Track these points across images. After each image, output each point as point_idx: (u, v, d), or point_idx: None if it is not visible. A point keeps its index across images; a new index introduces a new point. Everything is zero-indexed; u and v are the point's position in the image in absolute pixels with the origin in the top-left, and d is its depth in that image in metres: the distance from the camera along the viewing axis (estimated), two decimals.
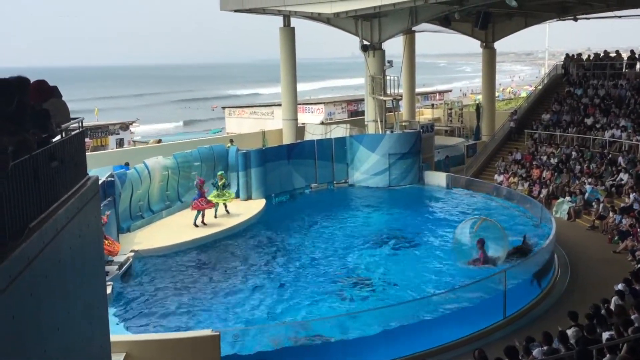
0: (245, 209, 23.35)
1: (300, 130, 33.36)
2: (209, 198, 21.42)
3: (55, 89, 6.31)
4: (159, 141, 36.46)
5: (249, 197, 24.58)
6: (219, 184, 21.78)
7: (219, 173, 22.30)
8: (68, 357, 5.03)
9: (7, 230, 3.94)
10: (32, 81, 5.63)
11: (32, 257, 4.17)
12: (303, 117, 39.43)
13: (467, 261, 17.49)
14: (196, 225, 20.60)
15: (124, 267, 16.93)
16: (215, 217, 21.60)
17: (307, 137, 31.90)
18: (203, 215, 20.78)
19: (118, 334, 12.22)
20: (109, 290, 14.42)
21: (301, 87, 41.06)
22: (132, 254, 17.97)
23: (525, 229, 21.22)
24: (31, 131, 4.88)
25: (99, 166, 21.82)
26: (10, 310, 3.71)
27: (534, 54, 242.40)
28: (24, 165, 4.39)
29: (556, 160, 27.73)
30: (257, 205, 23.83)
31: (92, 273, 6.11)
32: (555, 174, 26.80)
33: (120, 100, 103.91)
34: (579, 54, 37.06)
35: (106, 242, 16.44)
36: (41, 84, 5.83)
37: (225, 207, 22.17)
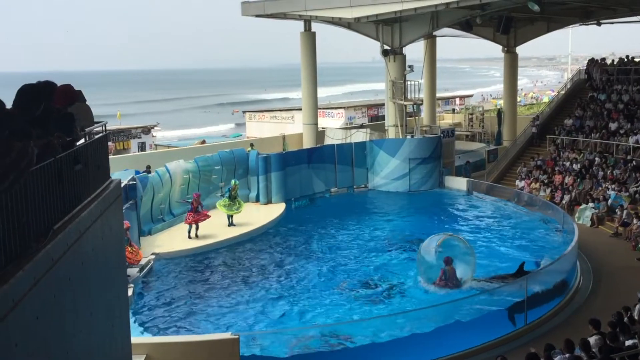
0: (266, 213, 23.42)
1: (320, 134, 33.39)
2: (217, 205, 21.47)
3: (79, 93, 6.40)
4: (203, 142, 36.84)
5: (269, 201, 24.65)
6: (232, 192, 21.42)
7: (234, 182, 21.87)
8: (90, 358, 5.08)
9: (31, 233, 3.99)
10: (58, 85, 5.71)
11: (56, 259, 4.22)
12: (323, 122, 39.47)
13: (433, 282, 16.27)
14: (190, 237, 19.96)
15: (145, 269, 17.06)
16: (233, 224, 21.47)
17: (327, 141, 31.92)
18: (197, 228, 20.14)
19: (139, 336, 12.33)
20: (130, 292, 14.54)
21: (321, 91, 41.15)
22: (153, 256, 18.11)
23: (546, 236, 21.08)
24: (56, 134, 4.95)
25: (122, 169, 22.02)
26: (34, 311, 3.75)
27: (556, 58, 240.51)
28: (49, 168, 4.45)
29: (579, 166, 27.43)
30: (277, 209, 23.88)
31: (113, 275, 6.17)
32: (578, 179, 26.50)
33: (143, 105, 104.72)
34: (603, 59, 36.65)
35: (130, 249, 16.52)
36: (67, 88, 5.91)
37: (231, 218, 21.59)
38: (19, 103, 4.81)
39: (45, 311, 3.96)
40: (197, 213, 20.04)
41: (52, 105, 5.19)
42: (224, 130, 56.65)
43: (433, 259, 16.57)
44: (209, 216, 20.46)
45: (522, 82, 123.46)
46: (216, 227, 20.97)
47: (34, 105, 4.77)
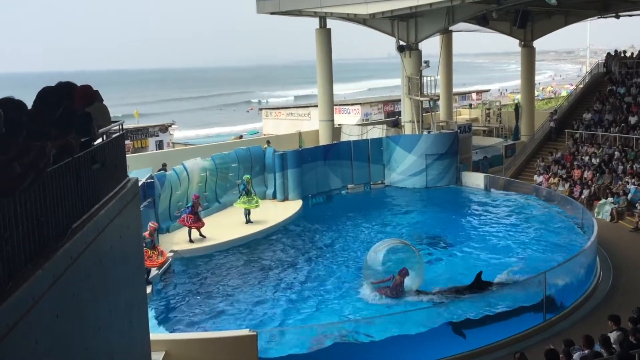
0: (282, 210, 23.47)
1: (336, 131, 33.38)
2: (236, 204, 21.49)
3: (97, 93, 6.45)
4: (241, 137, 37.17)
5: (285, 198, 24.70)
6: (248, 187, 21.42)
7: (247, 177, 21.84)
8: (109, 355, 5.13)
9: (50, 232, 4.04)
10: (80, 85, 5.78)
11: (74, 257, 4.27)
12: (339, 118, 39.45)
13: (378, 288, 15.73)
14: (191, 241, 19.41)
15: (164, 267, 17.18)
16: (250, 221, 21.44)
17: (344, 138, 31.90)
18: (198, 230, 19.63)
19: (158, 332, 12.44)
20: (148, 290, 14.65)
21: (337, 88, 41.11)
22: (172, 254, 18.23)
23: (565, 232, 20.92)
24: (74, 134, 5.01)
25: (140, 168, 22.18)
26: (54, 309, 3.81)
27: (575, 52, 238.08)
28: (67, 168, 4.50)
29: (598, 160, 27.16)
30: (294, 206, 23.93)
31: (132, 273, 6.22)
32: (597, 174, 26.25)
33: (159, 105, 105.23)
34: (622, 52, 36.23)
35: (151, 252, 16.40)
36: (86, 88, 5.96)
37: (248, 215, 21.47)
38: (39, 104, 4.87)
39: (64, 309, 4.01)
40: (196, 216, 19.49)
41: (71, 105, 5.24)
42: (239, 131, 56.90)
43: (380, 266, 16.11)
44: (203, 224, 19.72)
45: (544, 76, 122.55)
46: (234, 225, 21.05)
47: (54, 106, 4.83)
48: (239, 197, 21.72)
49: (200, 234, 19.75)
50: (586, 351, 9.74)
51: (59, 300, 3.93)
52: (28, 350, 3.35)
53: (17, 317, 3.23)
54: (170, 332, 13.37)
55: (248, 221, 21.46)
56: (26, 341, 3.32)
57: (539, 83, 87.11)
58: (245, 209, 21.49)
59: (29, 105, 4.69)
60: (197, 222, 19.56)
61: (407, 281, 15.71)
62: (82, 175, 4.86)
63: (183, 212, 19.81)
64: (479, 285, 15.23)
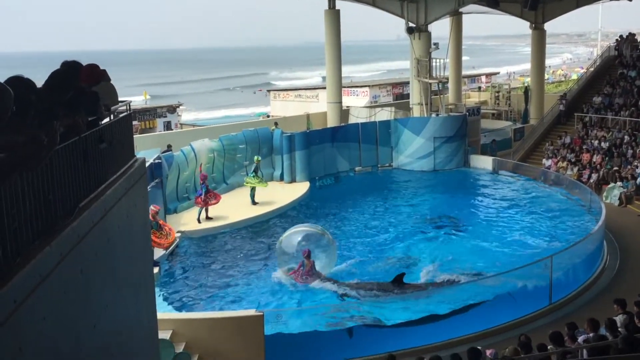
0: (290, 191, 23.51)
1: (344, 113, 33.29)
2: (247, 183, 21.54)
3: (104, 72, 6.45)
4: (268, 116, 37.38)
5: (293, 180, 24.73)
6: (256, 167, 21.51)
7: (257, 158, 21.88)
8: (117, 332, 5.20)
9: (57, 210, 4.07)
10: (84, 65, 5.78)
11: (82, 236, 4.31)
12: (348, 100, 39.31)
13: (289, 272, 15.66)
14: (199, 222, 19.54)
15: (171, 247, 17.28)
16: (255, 202, 21.46)
17: (352, 120, 31.82)
18: (207, 210, 19.83)
19: (165, 312, 12.55)
20: (156, 270, 14.77)
21: (346, 70, 40.93)
22: (179, 234, 18.33)
23: (573, 216, 20.87)
24: (82, 114, 5.02)
25: (147, 148, 22.23)
26: (62, 286, 3.85)
27: (586, 35, 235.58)
28: (74, 147, 4.52)
29: (607, 144, 27.00)
30: (301, 187, 23.97)
31: (139, 252, 6.27)
32: (606, 158, 26.11)
33: (167, 87, 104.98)
34: (633, 35, 35.83)
35: (159, 233, 16.38)
36: (93, 67, 5.96)
37: (254, 197, 21.51)
38: (50, 86, 4.87)
39: (72, 286, 4.05)
40: (212, 193, 19.74)
41: (81, 86, 5.25)
42: (247, 113, 56.75)
43: (294, 251, 15.95)
44: (219, 199, 19.93)
45: (556, 59, 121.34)
46: (241, 206, 21.11)
47: (65, 89, 4.84)
48: (249, 176, 21.66)
49: (207, 216, 19.83)
50: (591, 334, 9.75)
51: (67, 278, 3.97)
52: (36, 326, 3.39)
53: (25, 294, 3.27)
54: (177, 312, 13.49)
55: (254, 202, 21.50)
56: (34, 317, 3.37)
57: (550, 66, 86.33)
58: (252, 189, 21.50)
59: (39, 84, 4.72)
60: (215, 198, 19.77)
61: (318, 265, 15.64)
62: (89, 155, 4.88)
63: (199, 194, 19.73)
64: (399, 286, 14.71)
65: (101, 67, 6.43)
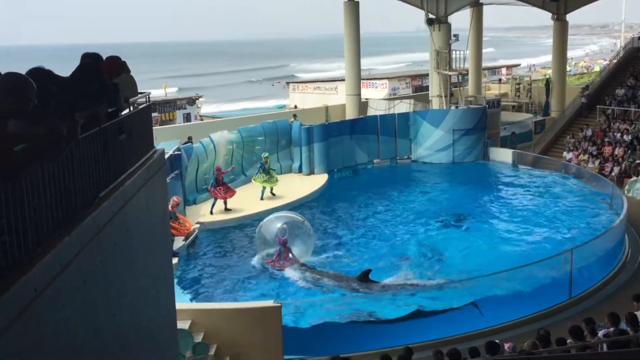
0: (308, 183, 23.54)
1: (363, 105, 33.19)
2: (255, 180, 21.33)
3: (124, 64, 6.49)
4: (295, 107, 37.45)
5: (311, 172, 24.74)
6: (265, 165, 21.15)
7: (264, 155, 21.55)
8: (136, 322, 5.25)
9: (78, 201, 4.12)
10: (105, 57, 5.83)
11: (101, 226, 4.35)
12: (366, 93, 39.18)
13: (267, 260, 16.11)
14: (211, 213, 19.57)
15: (190, 238, 17.41)
16: (273, 194, 21.43)
17: (370, 112, 31.72)
18: (225, 202, 19.89)
19: (184, 302, 12.65)
20: (175, 260, 14.89)
21: (365, 62, 40.77)
22: (198, 225, 18.44)
23: (595, 209, 20.67)
24: (103, 105, 5.07)
25: (167, 140, 22.36)
26: (81, 275, 3.89)
27: (609, 26, 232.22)
28: (94, 138, 4.56)
29: (630, 137, 26.65)
30: (319, 180, 23.98)
31: (158, 242, 6.32)
32: (629, 151, 25.78)
33: (188, 80, 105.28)
34: None
35: (177, 222, 16.66)
36: (114, 59, 6.00)
37: (271, 190, 21.48)
38: (76, 77, 4.92)
39: (92, 275, 4.10)
40: (225, 186, 19.70)
41: (104, 80, 5.29)
42: (267, 105, 56.72)
43: (272, 237, 16.27)
44: (234, 193, 20.05)
45: (579, 51, 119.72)
46: (259, 198, 21.13)
47: (90, 82, 4.88)
48: (257, 174, 21.44)
49: (226, 207, 19.89)
50: (611, 329, 9.66)
51: (87, 267, 4.02)
52: (56, 314, 3.44)
53: (45, 283, 3.31)
54: (196, 302, 13.59)
55: (262, 197, 21.23)
56: (54, 305, 3.41)
57: (572, 58, 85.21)
58: (264, 186, 21.27)
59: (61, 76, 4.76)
60: (228, 192, 19.78)
61: (296, 251, 16.03)
62: (109, 146, 4.92)
63: (210, 186, 19.90)
64: (364, 282, 14.79)
65: (121, 59, 6.48)
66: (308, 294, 14.40)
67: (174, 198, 16.98)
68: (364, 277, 14.81)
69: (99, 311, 4.25)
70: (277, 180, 21.57)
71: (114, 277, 4.62)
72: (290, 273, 15.51)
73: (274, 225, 16.49)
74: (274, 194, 21.57)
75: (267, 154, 21.69)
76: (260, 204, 20.69)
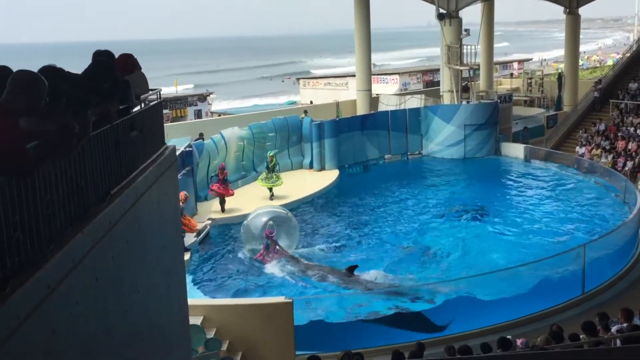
0: (319, 179, 23.54)
1: (374, 100, 33.13)
2: (257, 182, 21.03)
3: (136, 61, 6.50)
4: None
5: (322, 168, 24.74)
6: (270, 165, 20.69)
7: (270, 154, 21.13)
8: (148, 318, 5.27)
9: (89, 197, 4.14)
10: (120, 54, 5.84)
11: (113, 222, 4.36)
12: (377, 88, 39.10)
13: (254, 254, 16.36)
14: (223, 211, 19.38)
15: (202, 234, 17.46)
16: (271, 198, 20.73)
17: (381, 107, 31.66)
18: (223, 202, 19.46)
19: (196, 298, 12.71)
20: (187, 256, 14.95)
21: (375, 57, 40.65)
22: (210, 221, 18.49)
23: (607, 204, 20.54)
24: (115, 102, 5.08)
25: (178, 136, 22.42)
26: (94, 271, 3.91)
27: (622, 19, 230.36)
28: (106, 135, 4.58)
29: None
30: (330, 175, 23.97)
31: (169, 239, 6.33)
32: None
33: (198, 76, 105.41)
34: None
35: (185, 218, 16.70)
36: (128, 57, 6.00)
37: (271, 191, 20.87)
38: (89, 75, 4.93)
39: (104, 272, 4.11)
40: (224, 184, 19.35)
41: (117, 77, 5.31)
42: (278, 102, 56.60)
43: (259, 232, 16.47)
44: (232, 194, 19.66)
45: (592, 45, 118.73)
46: (275, 192, 21.11)
47: (103, 80, 4.89)
48: (261, 177, 21.09)
49: (222, 208, 19.48)
50: (625, 324, 9.60)
51: (99, 264, 4.03)
52: (68, 311, 3.46)
53: (58, 279, 3.33)
54: (208, 298, 13.65)
55: (272, 197, 20.80)
56: (67, 302, 3.43)
57: (584, 52, 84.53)
58: (268, 187, 20.83)
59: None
60: (227, 190, 19.48)
61: (282, 243, 16.35)
62: (121, 142, 4.94)
63: (210, 182, 19.77)
64: (348, 276, 15.03)
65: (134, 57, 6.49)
66: (295, 289, 14.46)
67: (183, 192, 16.97)
68: (351, 272, 15.04)
69: (111, 307, 4.27)
70: (276, 181, 20.84)
71: (126, 273, 4.64)
72: (273, 268, 15.72)
73: (259, 219, 16.73)
74: (272, 196, 20.78)
75: (272, 153, 21.16)
76: (274, 199, 20.64)
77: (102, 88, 4.89)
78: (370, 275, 15.01)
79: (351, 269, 15.15)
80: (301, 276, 15.27)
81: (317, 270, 15.51)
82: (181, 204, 16.51)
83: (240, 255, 16.67)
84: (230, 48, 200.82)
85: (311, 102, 37.09)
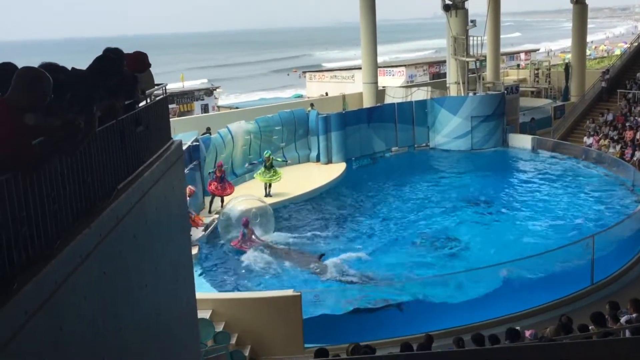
0: (326, 172, 23.53)
1: (380, 93, 33.02)
2: (255, 176, 20.82)
3: (148, 60, 6.46)
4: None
5: (329, 161, 24.72)
6: (267, 163, 20.33)
7: (266, 155, 20.56)
8: (156, 312, 5.28)
9: (96, 193, 4.14)
10: (134, 51, 5.83)
11: (120, 217, 4.37)
12: (383, 80, 38.97)
13: (232, 240, 16.77)
14: (210, 212, 19.04)
15: (210, 228, 17.51)
16: (270, 195, 20.35)
17: (388, 100, 31.56)
18: (222, 200, 19.05)
19: (205, 291, 12.75)
20: (195, 250, 14.99)
21: (382, 50, 40.52)
22: (217, 216, 18.52)
23: (616, 194, 20.46)
24: (120, 97, 5.08)
25: (185, 131, 22.45)
26: (101, 266, 3.92)
27: (630, 8, 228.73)
28: (111, 130, 4.58)
29: None
30: (337, 168, 23.96)
31: (177, 233, 6.35)
32: None
33: (205, 71, 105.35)
34: None
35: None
36: (142, 56, 5.95)
37: (268, 187, 20.49)
38: (95, 70, 4.92)
39: (111, 267, 4.12)
40: (222, 183, 19.07)
41: (124, 74, 5.30)
42: (284, 95, 56.52)
43: (236, 220, 16.98)
44: (231, 191, 19.19)
45: (600, 35, 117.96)
46: (277, 187, 21.04)
47: (110, 76, 4.89)
48: (258, 172, 20.81)
49: (222, 205, 19.05)
50: (634, 315, 9.56)
51: (106, 259, 4.04)
52: (77, 306, 3.47)
53: (65, 274, 3.34)
54: (216, 292, 13.69)
55: (267, 194, 20.35)
56: (74, 297, 3.44)
57: (592, 42, 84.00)
58: (266, 182, 20.57)
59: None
60: (224, 190, 19.05)
61: (258, 232, 16.92)
62: (127, 137, 4.94)
63: (207, 179, 19.47)
64: (315, 262, 15.54)
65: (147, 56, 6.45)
66: (295, 281, 14.54)
67: (189, 187, 16.99)
68: (319, 260, 15.60)
69: (119, 302, 4.28)
70: (273, 176, 20.51)
71: (133, 268, 4.65)
72: (249, 256, 16.07)
73: (237, 208, 17.21)
74: (270, 195, 20.42)
75: (268, 154, 20.68)
76: (277, 194, 20.59)
77: (108, 84, 4.88)
78: (336, 262, 15.44)
79: (320, 256, 15.75)
80: (275, 261, 15.72)
81: (291, 256, 16.06)
82: (187, 198, 16.60)
83: (222, 241, 16.96)
84: (234, 42, 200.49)
85: (326, 94, 36.85)
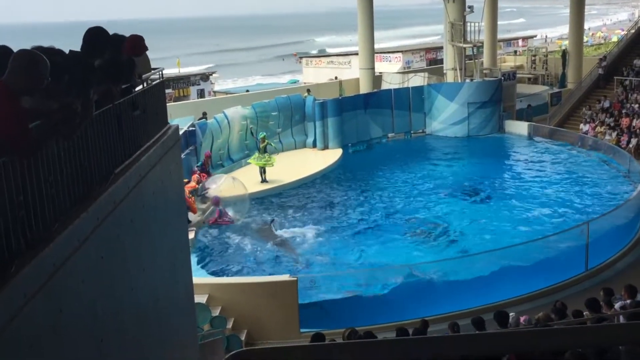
0: (322, 158, 23.54)
1: (377, 79, 32.94)
2: (250, 161, 20.74)
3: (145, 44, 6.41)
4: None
5: (325, 147, 24.71)
6: (260, 146, 20.22)
7: (261, 136, 20.61)
8: (154, 295, 5.30)
9: (93, 177, 4.14)
10: (130, 35, 5.78)
11: (117, 201, 4.37)
12: (380, 66, 38.86)
13: (209, 220, 17.45)
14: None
15: (207, 213, 17.52)
16: (265, 180, 20.42)
17: (384, 86, 31.49)
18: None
19: (201, 276, 12.79)
20: (192, 235, 15.01)
21: (378, 35, 40.37)
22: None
23: (612, 181, 20.53)
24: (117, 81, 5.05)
25: (181, 116, 22.39)
26: (99, 250, 3.93)
27: None
28: (108, 114, 4.57)
29: None
30: (334, 154, 23.96)
31: (174, 217, 6.35)
32: None
33: (201, 57, 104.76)
34: None
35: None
36: (139, 39, 5.91)
37: (263, 173, 20.43)
38: (87, 43, 4.87)
39: (109, 251, 4.13)
40: (209, 175, 18.99)
41: (118, 56, 5.25)
42: (281, 81, 56.32)
43: (211, 199, 17.69)
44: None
45: (590, 22, 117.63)
46: (275, 172, 21.01)
47: (102, 48, 4.85)
48: (253, 156, 20.75)
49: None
50: (628, 301, 9.63)
51: (104, 243, 4.05)
52: (75, 289, 3.48)
53: (63, 258, 3.35)
54: (213, 277, 13.73)
55: (263, 180, 20.39)
56: (73, 280, 3.45)
57: (589, 28, 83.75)
58: (261, 167, 20.49)
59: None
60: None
61: (231, 212, 17.63)
62: (124, 122, 4.93)
63: (195, 169, 19.25)
64: (263, 228, 17.14)
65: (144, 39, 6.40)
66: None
67: (195, 175, 17.39)
68: (283, 242, 16.39)
69: (117, 286, 4.30)
70: (268, 161, 20.37)
71: (131, 252, 4.66)
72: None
73: (211, 188, 17.78)
74: (266, 180, 20.44)
75: (262, 135, 20.63)
76: (274, 179, 20.59)
77: (100, 58, 4.82)
78: (286, 232, 16.75)
79: (271, 222, 17.28)
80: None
81: (254, 232, 16.97)
82: (197, 185, 16.79)
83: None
84: (230, 27, 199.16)
85: (336, 78, 36.47)
